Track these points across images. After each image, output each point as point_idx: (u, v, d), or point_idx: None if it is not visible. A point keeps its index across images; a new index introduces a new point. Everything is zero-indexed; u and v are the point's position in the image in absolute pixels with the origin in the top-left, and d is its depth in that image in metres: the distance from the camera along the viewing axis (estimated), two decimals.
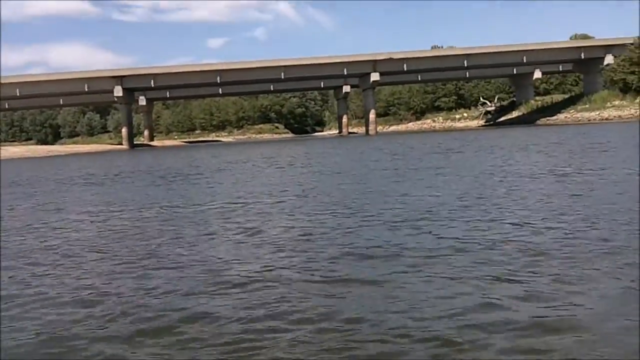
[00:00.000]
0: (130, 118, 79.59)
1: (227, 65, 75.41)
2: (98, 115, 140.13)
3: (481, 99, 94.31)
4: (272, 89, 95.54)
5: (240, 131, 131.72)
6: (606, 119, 61.40)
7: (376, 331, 3.69)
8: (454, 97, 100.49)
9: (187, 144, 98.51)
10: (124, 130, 77.91)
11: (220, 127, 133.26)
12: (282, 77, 76.02)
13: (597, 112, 64.16)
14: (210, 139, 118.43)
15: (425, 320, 3.82)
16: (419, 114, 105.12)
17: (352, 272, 5.13)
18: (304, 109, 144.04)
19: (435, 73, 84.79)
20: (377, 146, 34.60)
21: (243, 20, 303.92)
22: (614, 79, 65.31)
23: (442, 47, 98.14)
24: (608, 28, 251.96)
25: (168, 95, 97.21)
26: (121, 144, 79.50)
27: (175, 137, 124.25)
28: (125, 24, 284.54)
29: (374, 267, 5.28)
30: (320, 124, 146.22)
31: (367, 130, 79.49)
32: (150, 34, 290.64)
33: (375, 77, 74.66)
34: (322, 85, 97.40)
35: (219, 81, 76.33)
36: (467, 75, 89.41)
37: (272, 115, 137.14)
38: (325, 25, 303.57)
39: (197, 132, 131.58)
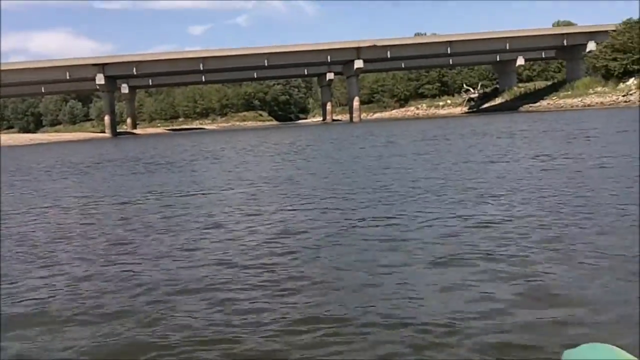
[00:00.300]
0: (113, 106, 78.89)
1: (210, 53, 74.91)
2: (80, 103, 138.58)
3: (464, 86, 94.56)
4: (255, 76, 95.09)
5: (223, 119, 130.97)
6: (588, 105, 61.88)
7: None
8: (438, 84, 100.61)
9: (171, 131, 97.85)
10: (106, 118, 77.25)
11: (204, 114, 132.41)
12: (266, 64, 75.66)
13: (580, 99, 64.63)
14: (193, 126, 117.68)
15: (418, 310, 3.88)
16: (403, 101, 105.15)
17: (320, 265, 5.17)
18: (287, 97, 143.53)
19: (419, 60, 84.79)
20: (363, 133, 34.64)
21: (225, 7, 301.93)
22: (596, 65, 65.78)
23: (425, 34, 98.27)
24: (590, 15, 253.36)
25: (151, 83, 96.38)
26: (104, 132, 78.86)
27: (159, 125, 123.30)
28: (107, 11, 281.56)
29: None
30: (304, 112, 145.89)
31: (351, 118, 79.47)
32: (133, 21, 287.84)
33: (359, 64, 74.54)
34: (305, 73, 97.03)
35: (202, 68, 75.82)
36: (451, 63, 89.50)
37: (256, 102, 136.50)
38: (309, 12, 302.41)
39: (180, 119, 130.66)
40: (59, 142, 63.06)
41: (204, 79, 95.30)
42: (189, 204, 9.13)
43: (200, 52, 75.51)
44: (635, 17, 65.02)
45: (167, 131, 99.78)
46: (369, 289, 4.32)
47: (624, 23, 64.90)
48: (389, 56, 75.54)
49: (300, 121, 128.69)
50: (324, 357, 3.22)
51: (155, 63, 74.17)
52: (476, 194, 8.34)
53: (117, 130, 78.24)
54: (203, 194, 10.53)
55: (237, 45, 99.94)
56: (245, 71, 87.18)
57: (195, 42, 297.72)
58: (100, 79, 72.62)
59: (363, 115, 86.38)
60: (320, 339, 3.45)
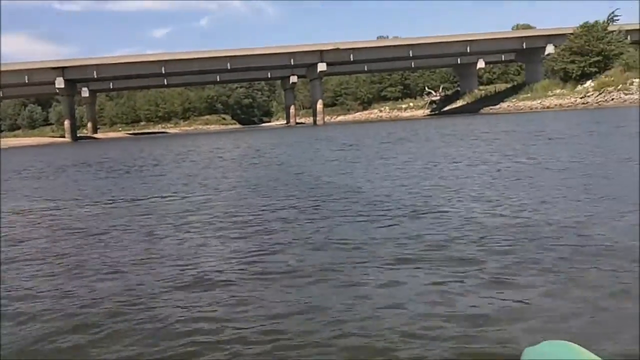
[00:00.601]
0: (73, 110, 77.45)
1: (171, 56, 74.18)
2: (40, 107, 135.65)
3: (426, 88, 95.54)
4: (218, 79, 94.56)
5: (186, 122, 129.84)
6: (547, 107, 63.08)
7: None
8: (400, 87, 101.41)
9: (132, 135, 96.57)
10: (66, 123, 75.79)
11: (166, 118, 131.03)
12: (229, 67, 75.28)
13: (539, 101, 65.84)
14: (155, 130, 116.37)
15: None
16: (366, 104, 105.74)
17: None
18: (251, 100, 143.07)
19: (382, 63, 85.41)
20: (327, 136, 34.70)
21: (188, 9, 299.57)
22: (555, 68, 67.11)
23: (387, 37, 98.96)
24: (549, 18, 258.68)
25: (112, 87, 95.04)
26: (64, 137, 77.35)
27: (120, 129, 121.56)
28: (67, 13, 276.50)
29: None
30: (268, 115, 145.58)
31: (314, 121, 79.59)
32: (93, 23, 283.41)
33: (322, 67, 74.72)
34: (269, 76, 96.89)
35: (163, 72, 75.03)
36: (413, 65, 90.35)
37: (219, 106, 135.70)
38: (272, 15, 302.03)
39: (142, 123, 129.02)
40: (18, 147, 61.69)
41: (166, 82, 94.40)
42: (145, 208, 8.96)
43: (162, 55, 74.69)
44: (592, 21, 66.56)
45: (128, 135, 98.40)
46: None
47: (582, 26, 66.37)
48: (351, 59, 75.95)
49: (263, 124, 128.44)
50: None
51: (116, 66, 73.11)
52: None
53: (78, 135, 76.83)
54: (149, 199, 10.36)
55: (200, 48, 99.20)
56: (208, 74, 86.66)
57: (158, 45, 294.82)
58: (59, 83, 71.26)
59: (327, 118, 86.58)
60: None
